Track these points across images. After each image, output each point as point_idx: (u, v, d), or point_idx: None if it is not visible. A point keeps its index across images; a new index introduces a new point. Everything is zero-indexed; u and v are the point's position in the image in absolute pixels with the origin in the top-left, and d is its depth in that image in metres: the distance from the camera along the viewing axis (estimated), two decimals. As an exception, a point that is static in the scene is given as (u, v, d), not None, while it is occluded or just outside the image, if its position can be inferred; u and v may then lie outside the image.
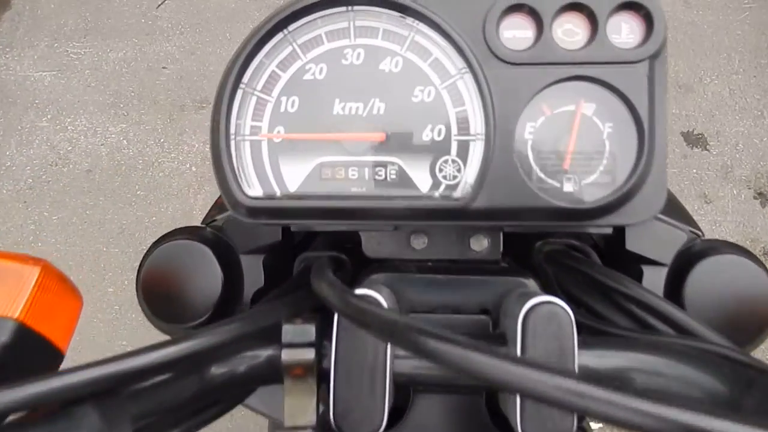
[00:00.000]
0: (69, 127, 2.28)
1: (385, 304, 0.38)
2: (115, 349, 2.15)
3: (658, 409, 0.21)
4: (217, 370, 0.38)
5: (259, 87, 0.39)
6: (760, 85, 2.20)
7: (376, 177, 0.39)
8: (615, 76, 0.36)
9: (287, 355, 0.38)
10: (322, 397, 0.38)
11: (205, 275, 0.49)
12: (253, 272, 0.50)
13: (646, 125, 0.36)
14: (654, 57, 0.36)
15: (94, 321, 2.04)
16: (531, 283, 0.47)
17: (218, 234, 0.51)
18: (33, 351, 0.36)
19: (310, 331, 0.38)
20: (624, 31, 0.36)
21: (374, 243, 0.47)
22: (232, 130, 0.38)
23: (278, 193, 0.39)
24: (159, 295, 0.50)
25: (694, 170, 2.09)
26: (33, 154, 2.22)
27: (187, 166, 2.16)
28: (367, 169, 0.39)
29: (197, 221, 0.57)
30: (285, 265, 0.52)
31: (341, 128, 0.39)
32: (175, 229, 0.54)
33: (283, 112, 0.39)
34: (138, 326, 1.98)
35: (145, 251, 0.52)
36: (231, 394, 0.41)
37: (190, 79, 2.37)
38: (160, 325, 0.51)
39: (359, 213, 0.38)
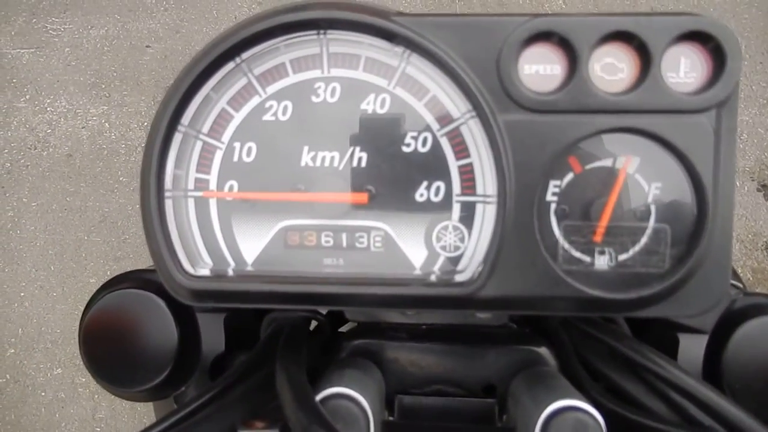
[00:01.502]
0: (48, 109, 2.17)
1: (363, 402, 0.30)
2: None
3: None
4: None
5: (205, 129, 0.30)
6: (766, 71, 2.10)
7: (357, 245, 0.30)
8: (670, 128, 0.27)
9: None
10: None
11: (159, 333, 0.41)
12: (213, 333, 0.42)
13: (708, 191, 0.27)
14: (722, 104, 0.27)
15: (75, 313, 1.96)
16: (544, 353, 0.39)
17: None
18: None
19: None
20: (683, 67, 0.27)
21: (357, 309, 0.39)
22: (168, 183, 0.29)
23: (231, 268, 0.30)
24: (105, 354, 0.42)
25: (702, 163, 2.02)
26: (10, 136, 2.11)
27: (173, 151, 2.06)
28: (344, 236, 0.30)
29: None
30: (250, 324, 0.43)
31: (311, 185, 0.30)
32: (125, 273, 0.46)
33: (237, 162, 0.30)
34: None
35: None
36: None
37: (175, 59, 2.25)
38: (106, 386, 0.43)
39: (334, 300, 0.29)
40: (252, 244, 0.30)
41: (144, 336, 0.41)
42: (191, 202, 0.30)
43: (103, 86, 2.20)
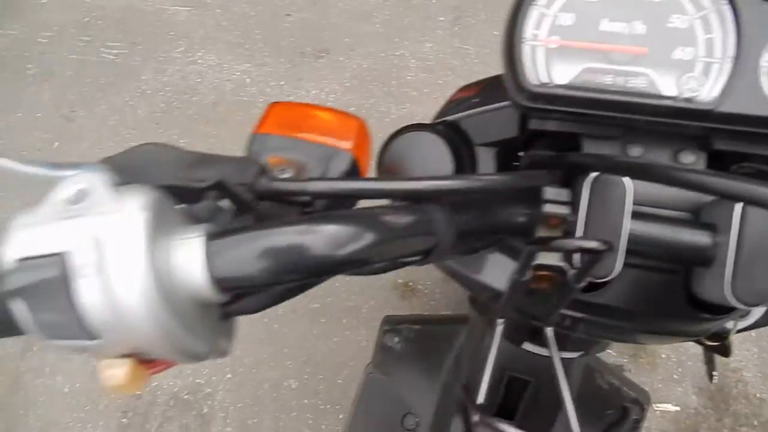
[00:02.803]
0: (199, 61, 2.46)
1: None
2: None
3: None
4: (491, 212, 0.49)
5: (543, 3, 0.49)
6: None
7: (628, 84, 0.48)
8: None
9: (548, 209, 0.49)
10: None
11: (437, 162, 0.60)
12: (486, 161, 0.61)
13: None
14: None
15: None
16: None
17: (451, 128, 0.62)
18: None
19: (565, 192, 0.49)
20: None
21: (594, 149, 0.57)
22: (522, 35, 0.49)
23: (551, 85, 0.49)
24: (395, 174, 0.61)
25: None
26: (166, 81, 2.41)
27: (303, 109, 2.30)
28: (622, 78, 0.48)
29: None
30: (511, 160, 0.62)
31: (607, 41, 0.49)
32: (409, 125, 0.65)
33: (559, 26, 0.49)
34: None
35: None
36: (486, 239, 0.53)
37: (312, 28, 2.50)
38: None
39: (617, 106, 0.47)
40: (563, 77, 0.49)
41: (425, 162, 0.60)
42: (528, 47, 0.50)
43: (247, 47, 2.47)
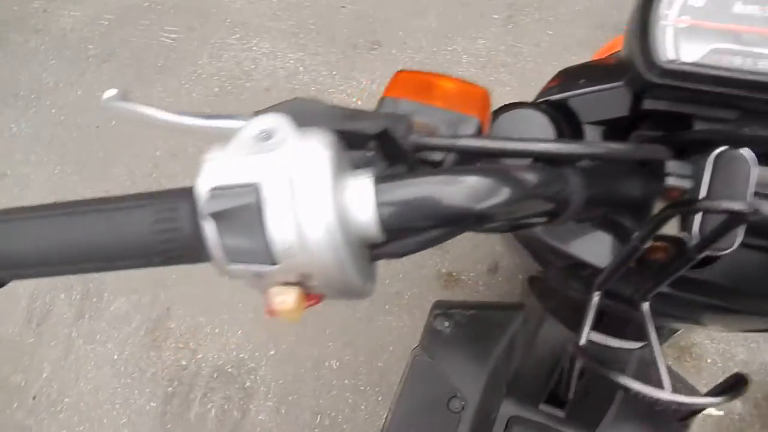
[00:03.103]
0: (254, 48, 2.50)
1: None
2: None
3: None
4: (615, 182, 0.51)
5: None
6: None
7: (758, 66, 0.50)
8: None
9: (670, 182, 0.51)
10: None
11: (539, 132, 0.62)
12: (593, 139, 0.64)
13: None
14: None
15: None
16: None
17: (554, 107, 0.64)
18: None
19: (688, 167, 0.51)
20: None
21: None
22: (656, 14, 0.51)
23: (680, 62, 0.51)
24: None
25: None
26: (221, 66, 2.46)
27: (354, 99, 2.34)
28: (751, 59, 0.50)
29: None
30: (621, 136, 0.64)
31: (739, 23, 0.51)
32: (511, 103, 0.67)
33: (690, 6, 0.51)
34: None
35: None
36: (605, 209, 0.55)
37: (366, 21, 2.54)
38: None
39: (745, 84, 0.49)
40: (692, 56, 0.51)
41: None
42: (660, 26, 0.52)
43: (302, 36, 2.51)
